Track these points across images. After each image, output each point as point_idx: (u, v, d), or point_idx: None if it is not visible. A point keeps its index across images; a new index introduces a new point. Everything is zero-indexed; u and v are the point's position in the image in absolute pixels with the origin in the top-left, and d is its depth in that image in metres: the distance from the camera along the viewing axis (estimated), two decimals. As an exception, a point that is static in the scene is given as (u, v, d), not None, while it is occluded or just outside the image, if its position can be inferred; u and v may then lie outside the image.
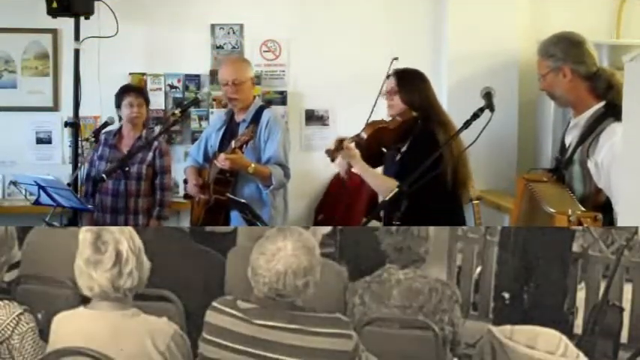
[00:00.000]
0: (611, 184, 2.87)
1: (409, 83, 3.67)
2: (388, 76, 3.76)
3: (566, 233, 4.24)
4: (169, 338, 2.25)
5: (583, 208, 2.78)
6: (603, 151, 2.89)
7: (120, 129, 4.79)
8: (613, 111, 2.92)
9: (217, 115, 4.66)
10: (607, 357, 3.74)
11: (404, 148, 3.64)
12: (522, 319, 3.83)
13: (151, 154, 4.67)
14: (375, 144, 3.66)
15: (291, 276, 2.21)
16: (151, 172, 4.68)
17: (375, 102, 3.88)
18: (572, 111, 3.18)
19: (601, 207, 2.89)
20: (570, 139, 3.13)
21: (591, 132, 2.97)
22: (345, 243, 4.35)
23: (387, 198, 3.09)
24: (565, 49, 3.06)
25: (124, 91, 4.75)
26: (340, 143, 3.58)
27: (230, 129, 4.36)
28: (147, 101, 4.81)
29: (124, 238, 2.25)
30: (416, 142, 3.57)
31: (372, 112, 3.89)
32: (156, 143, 4.65)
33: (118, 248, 2.23)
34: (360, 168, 3.59)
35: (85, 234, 2.25)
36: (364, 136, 3.65)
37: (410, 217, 3.07)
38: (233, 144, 4.01)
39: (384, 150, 3.72)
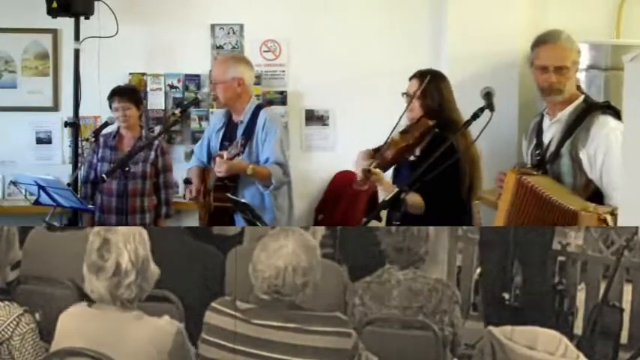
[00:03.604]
0: (603, 174, 2.94)
1: (430, 89, 3.60)
2: (411, 78, 3.70)
3: (546, 232, 4.17)
4: (171, 338, 2.25)
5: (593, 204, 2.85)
6: (596, 142, 2.97)
7: (118, 130, 4.79)
8: (595, 105, 3.04)
9: (217, 116, 4.61)
10: (607, 357, 3.73)
11: (417, 153, 3.60)
12: (519, 319, 3.83)
13: (153, 153, 4.71)
14: (397, 160, 3.63)
15: (291, 273, 2.22)
16: (154, 171, 4.73)
17: (408, 105, 3.66)
18: (550, 109, 3.21)
19: (590, 198, 2.96)
20: (551, 135, 3.16)
21: (577, 125, 3.02)
22: (345, 243, 4.35)
23: (387, 198, 3.09)
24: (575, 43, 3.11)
25: (110, 96, 4.73)
26: (368, 173, 3.49)
27: (229, 130, 4.32)
28: (135, 101, 4.72)
29: (127, 249, 2.26)
30: (432, 151, 3.35)
31: (402, 114, 3.69)
32: (157, 142, 4.68)
33: (118, 260, 2.24)
34: (387, 189, 3.48)
35: (94, 237, 2.27)
36: (388, 156, 3.57)
37: (422, 221, 3.20)
38: (225, 155, 3.95)
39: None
